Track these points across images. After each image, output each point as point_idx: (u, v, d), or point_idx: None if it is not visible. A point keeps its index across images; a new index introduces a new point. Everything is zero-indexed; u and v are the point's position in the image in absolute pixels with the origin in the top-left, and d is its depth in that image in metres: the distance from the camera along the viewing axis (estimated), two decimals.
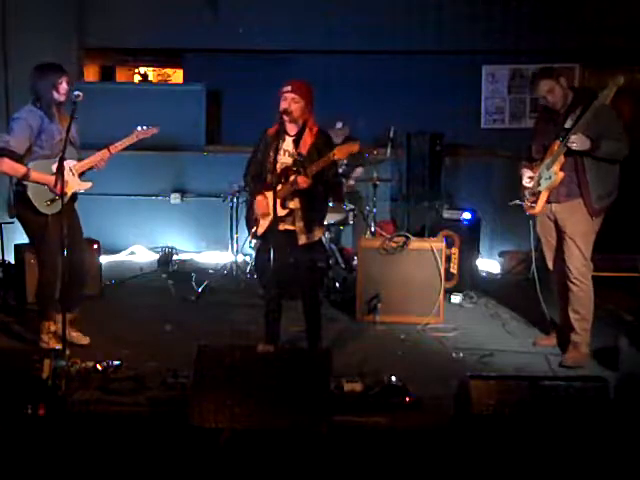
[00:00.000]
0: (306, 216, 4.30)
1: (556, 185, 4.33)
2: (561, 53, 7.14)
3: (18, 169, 4.31)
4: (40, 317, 4.62)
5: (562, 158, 4.27)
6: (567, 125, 4.27)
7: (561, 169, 4.29)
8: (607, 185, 4.33)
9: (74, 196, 4.63)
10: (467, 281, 6.08)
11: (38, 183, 4.35)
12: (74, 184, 4.52)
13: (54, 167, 4.20)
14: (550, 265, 4.66)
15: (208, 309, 5.60)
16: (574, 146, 4.18)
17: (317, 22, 7.44)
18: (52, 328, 4.53)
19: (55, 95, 4.38)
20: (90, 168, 4.60)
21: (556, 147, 4.30)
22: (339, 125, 6.39)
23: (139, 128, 4.67)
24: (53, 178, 4.22)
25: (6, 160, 4.28)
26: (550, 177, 4.32)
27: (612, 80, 4.05)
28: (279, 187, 4.18)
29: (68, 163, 4.36)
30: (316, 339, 4.51)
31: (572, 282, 4.42)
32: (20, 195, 4.40)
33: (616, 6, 7.11)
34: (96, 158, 4.53)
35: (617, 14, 7.10)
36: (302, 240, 4.31)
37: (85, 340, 4.71)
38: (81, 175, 4.60)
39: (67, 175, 4.34)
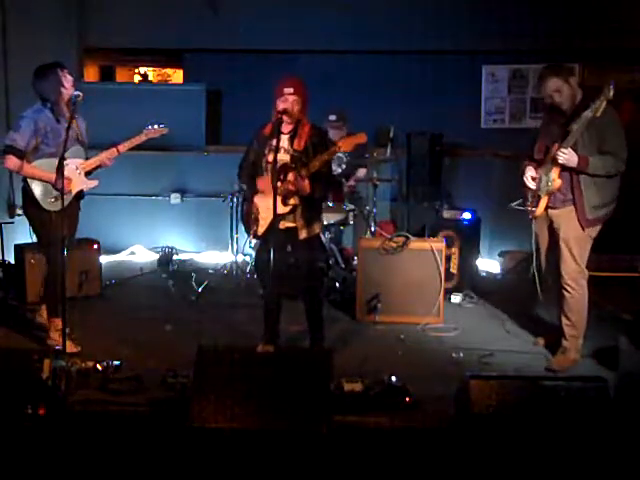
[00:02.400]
0: (306, 212, 4.32)
1: (554, 191, 4.28)
2: (561, 53, 7.13)
3: (22, 166, 4.43)
4: (49, 315, 4.67)
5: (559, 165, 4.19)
6: (569, 129, 4.14)
7: (559, 176, 4.21)
8: (603, 196, 4.23)
9: (80, 194, 4.68)
10: (467, 281, 6.08)
11: (42, 180, 4.44)
12: (80, 182, 4.57)
13: None
14: (544, 265, 4.62)
15: (208, 309, 5.59)
16: (560, 160, 4.10)
17: (317, 22, 7.43)
18: (60, 326, 4.53)
19: (64, 91, 4.44)
20: (98, 167, 4.65)
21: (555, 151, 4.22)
22: (332, 117, 6.27)
23: (149, 127, 4.70)
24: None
25: (12, 157, 4.40)
26: (548, 184, 4.27)
27: (603, 92, 3.93)
28: (279, 185, 4.19)
29: (75, 162, 4.46)
30: (319, 338, 4.52)
31: (564, 287, 4.36)
32: (25, 192, 4.52)
33: (616, 6, 7.11)
34: (103, 157, 4.59)
35: (617, 14, 7.10)
36: (303, 235, 4.33)
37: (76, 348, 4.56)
38: (90, 174, 4.66)
39: (73, 173, 4.46)
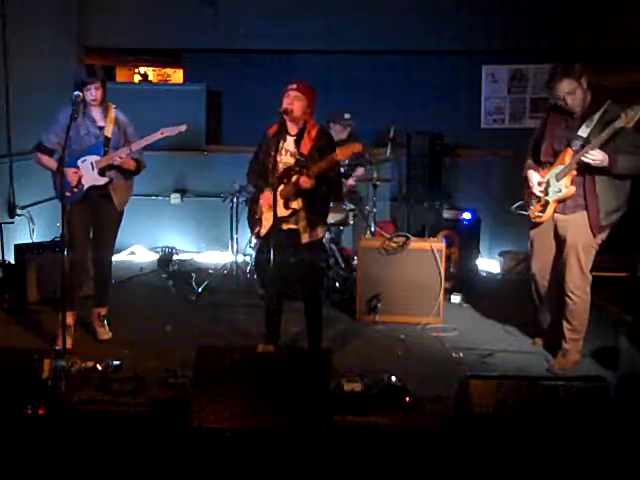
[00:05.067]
0: (309, 215, 4.29)
1: (566, 199, 4.17)
2: (561, 53, 7.13)
3: (48, 162, 4.65)
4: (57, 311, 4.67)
5: (574, 171, 4.08)
6: (581, 132, 4.03)
7: (572, 183, 4.10)
8: (617, 200, 4.12)
9: (101, 191, 4.66)
10: (467, 281, 6.08)
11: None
12: (91, 179, 4.62)
13: (79, 161, 4.55)
14: (534, 267, 4.53)
15: (208, 309, 5.59)
16: (592, 162, 3.93)
17: (317, 22, 7.43)
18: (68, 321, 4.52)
19: (85, 97, 4.48)
20: (118, 166, 4.62)
21: (567, 156, 4.10)
22: (347, 116, 6.32)
23: (168, 129, 4.66)
24: (69, 171, 4.49)
25: (38, 154, 4.66)
26: (560, 190, 4.15)
27: (638, 104, 3.77)
28: (281, 187, 4.17)
29: (92, 158, 4.59)
30: (317, 339, 4.51)
31: (567, 294, 4.29)
32: None
33: (616, 6, 7.10)
34: (115, 155, 4.60)
35: (617, 14, 7.09)
36: (305, 239, 4.30)
37: (107, 335, 4.86)
38: (133, 172, 4.76)
39: (86, 170, 4.59)
